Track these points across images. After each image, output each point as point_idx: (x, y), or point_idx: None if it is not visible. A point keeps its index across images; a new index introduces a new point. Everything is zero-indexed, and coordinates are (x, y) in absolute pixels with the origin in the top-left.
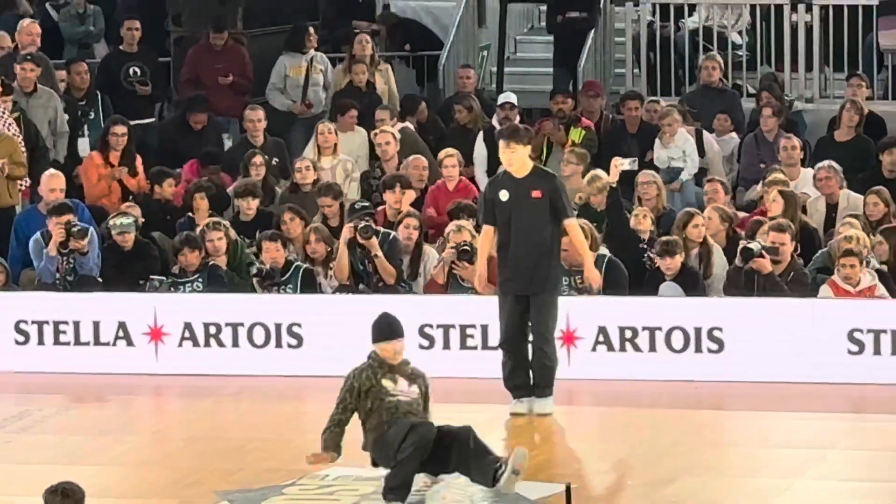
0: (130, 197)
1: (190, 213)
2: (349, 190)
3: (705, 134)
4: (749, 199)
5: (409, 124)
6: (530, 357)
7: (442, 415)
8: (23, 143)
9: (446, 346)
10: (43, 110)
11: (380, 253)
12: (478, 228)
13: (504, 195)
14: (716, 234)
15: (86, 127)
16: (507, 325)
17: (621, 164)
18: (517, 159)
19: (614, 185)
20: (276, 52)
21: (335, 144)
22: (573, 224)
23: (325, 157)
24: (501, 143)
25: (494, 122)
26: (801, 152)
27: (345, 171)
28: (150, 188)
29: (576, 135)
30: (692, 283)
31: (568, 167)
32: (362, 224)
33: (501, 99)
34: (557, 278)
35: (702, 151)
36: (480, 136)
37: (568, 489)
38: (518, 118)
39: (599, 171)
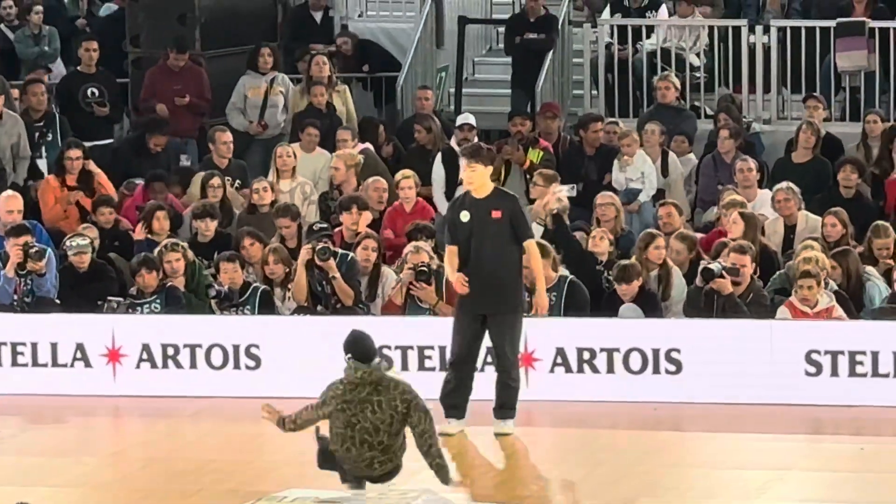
0: (88, 218)
1: (149, 236)
2: (307, 212)
3: (671, 154)
4: (707, 220)
5: (369, 146)
6: (495, 378)
7: None
8: None
9: (404, 367)
10: (7, 137)
11: (338, 274)
12: (436, 249)
13: (465, 216)
14: (682, 262)
15: (43, 148)
16: (460, 345)
17: (559, 190)
18: (478, 178)
19: (556, 212)
20: (234, 73)
21: (293, 168)
22: (531, 246)
23: (283, 181)
24: (463, 162)
25: (453, 143)
26: (757, 174)
27: (303, 193)
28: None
29: (534, 156)
30: (651, 304)
31: (535, 189)
32: (320, 246)
33: (460, 120)
34: (519, 299)
35: (666, 172)
36: (439, 157)
37: None
38: (476, 139)
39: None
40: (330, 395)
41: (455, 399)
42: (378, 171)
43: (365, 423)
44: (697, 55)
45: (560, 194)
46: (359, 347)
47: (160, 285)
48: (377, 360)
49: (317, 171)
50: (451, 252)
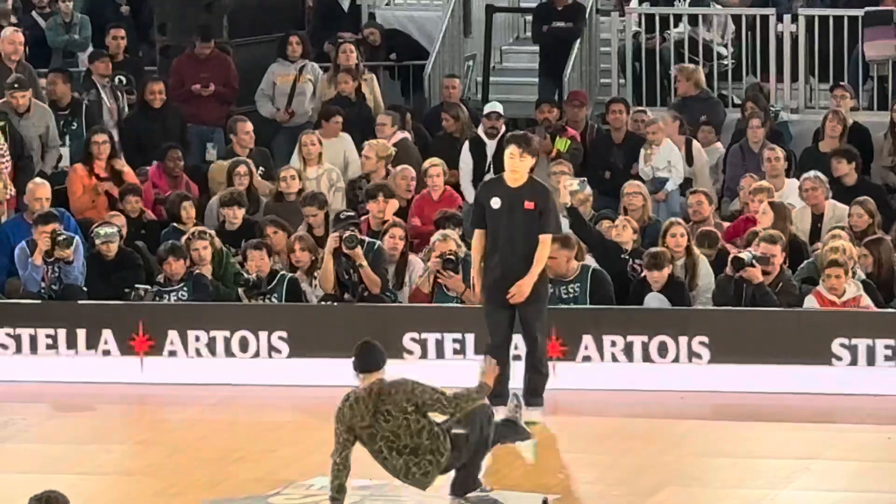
0: (115, 206)
1: (175, 224)
2: (334, 199)
3: (695, 143)
4: (734, 209)
5: (407, 135)
6: (524, 366)
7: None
8: (7, 153)
9: (432, 355)
10: (35, 129)
11: (364, 262)
12: (463, 238)
13: (496, 202)
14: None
15: (67, 137)
16: (494, 334)
17: (570, 184)
18: (523, 168)
19: (570, 205)
20: (261, 61)
21: (319, 154)
22: (546, 241)
23: (310, 168)
24: (513, 149)
25: (480, 131)
26: (784, 163)
27: (329, 180)
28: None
29: (561, 144)
30: (678, 293)
31: (554, 178)
32: (347, 234)
33: (487, 108)
34: (545, 287)
35: (691, 161)
36: (466, 145)
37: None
38: (504, 128)
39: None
40: (337, 425)
41: (496, 388)
42: (413, 161)
43: (385, 433)
44: (725, 44)
45: (571, 188)
46: (360, 360)
47: (187, 273)
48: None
49: (338, 155)
50: (478, 237)
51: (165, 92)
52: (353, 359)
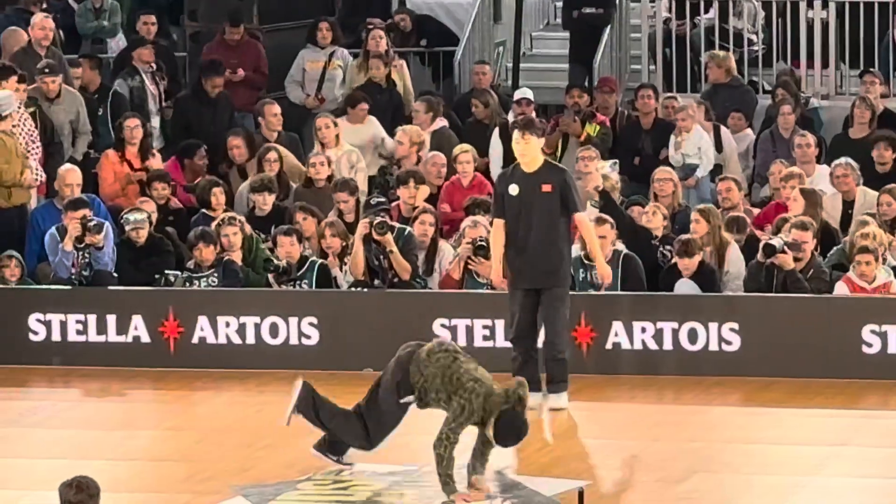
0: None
1: (205, 210)
2: (359, 181)
3: (723, 130)
4: (764, 196)
5: (445, 123)
6: (543, 354)
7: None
8: (38, 139)
9: (462, 341)
10: (65, 114)
11: (395, 249)
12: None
13: (514, 189)
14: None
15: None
16: (519, 320)
17: (601, 166)
18: (531, 150)
19: (601, 189)
20: (291, 47)
21: (336, 136)
22: (582, 218)
23: (327, 150)
24: (516, 134)
25: (510, 118)
26: (815, 149)
27: (349, 162)
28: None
29: (591, 129)
30: (709, 280)
31: (582, 164)
32: (378, 220)
33: (517, 95)
34: (567, 271)
35: (720, 147)
36: (496, 131)
37: (581, 494)
38: (534, 114)
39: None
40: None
41: (526, 373)
42: (450, 150)
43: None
44: (755, 31)
45: (603, 171)
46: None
47: (217, 259)
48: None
49: (369, 139)
50: (497, 226)
51: (224, 86)
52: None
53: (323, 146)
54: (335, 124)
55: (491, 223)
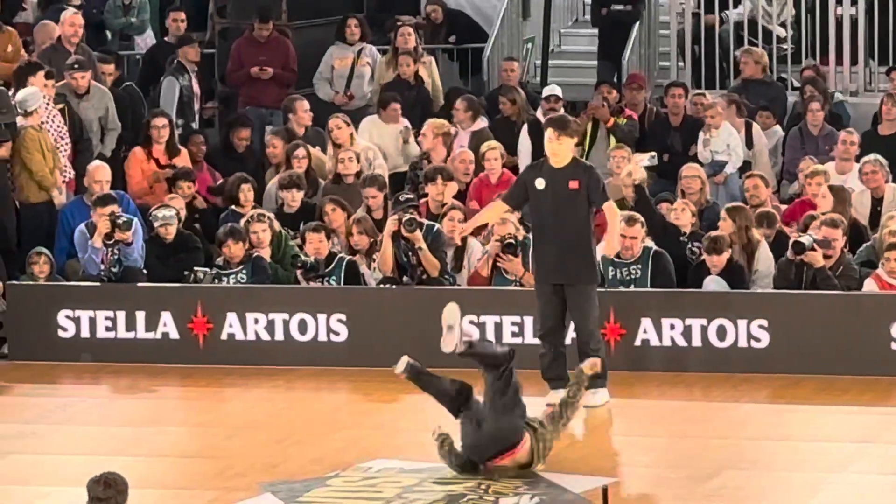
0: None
1: (234, 207)
2: (377, 167)
3: (754, 126)
4: (793, 192)
5: (485, 123)
6: (577, 350)
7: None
8: (67, 135)
9: (492, 337)
10: (94, 111)
11: (424, 245)
12: (522, 221)
13: (540, 183)
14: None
15: None
16: (546, 316)
17: (641, 159)
18: (563, 150)
19: (637, 182)
20: (320, 44)
21: (350, 135)
22: (610, 205)
23: (342, 151)
24: (550, 132)
25: (539, 114)
26: (858, 148)
27: (367, 159)
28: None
29: (619, 119)
30: (738, 277)
31: (613, 162)
32: (407, 217)
33: (546, 92)
34: (594, 267)
35: (750, 144)
36: (525, 128)
37: (605, 492)
38: (563, 111)
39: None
40: None
41: (555, 371)
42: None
43: None
44: (784, 26)
45: (642, 163)
46: None
47: (246, 255)
48: None
49: (394, 138)
50: (497, 205)
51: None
52: None
53: (337, 146)
54: (348, 124)
55: (521, 220)
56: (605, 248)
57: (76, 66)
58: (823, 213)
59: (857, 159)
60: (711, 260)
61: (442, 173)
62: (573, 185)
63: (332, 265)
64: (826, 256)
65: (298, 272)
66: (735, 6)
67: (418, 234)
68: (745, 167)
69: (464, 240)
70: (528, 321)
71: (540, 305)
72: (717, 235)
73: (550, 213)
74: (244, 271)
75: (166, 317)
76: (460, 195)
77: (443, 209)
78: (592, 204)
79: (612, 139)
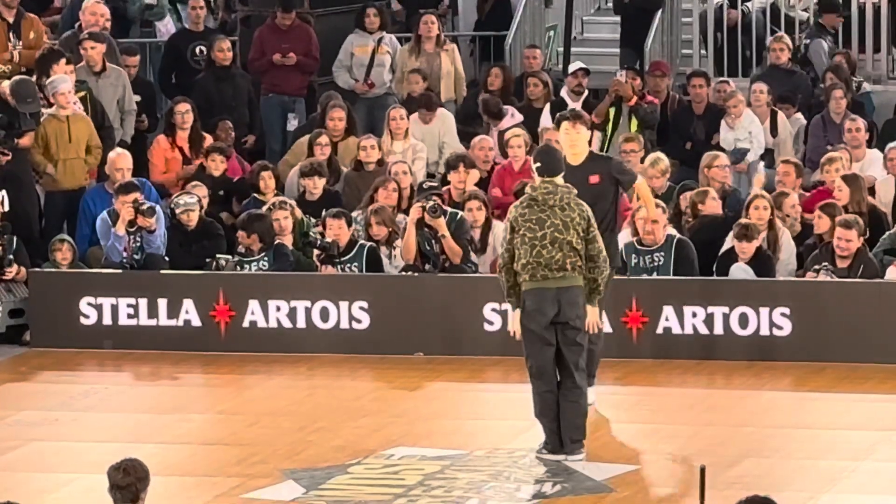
0: (197, 175)
1: (255, 195)
2: (417, 169)
3: (779, 114)
4: (815, 180)
5: (521, 125)
6: None
7: (501, 396)
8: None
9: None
10: (112, 89)
11: (447, 233)
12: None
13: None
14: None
15: None
16: None
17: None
18: (580, 140)
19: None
20: (341, 32)
21: (406, 129)
22: (641, 183)
23: (396, 142)
24: (566, 124)
25: (563, 94)
26: (865, 133)
27: (414, 153)
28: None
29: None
30: (765, 265)
31: (624, 157)
32: (430, 203)
33: (572, 67)
34: (616, 260)
35: (775, 131)
36: (547, 107)
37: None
38: (586, 92)
39: (660, 154)
40: (511, 219)
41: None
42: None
43: (555, 221)
44: (807, 15)
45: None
46: (547, 159)
47: (268, 243)
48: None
49: (435, 135)
50: None
51: (232, 49)
52: (538, 154)
53: (392, 135)
54: (407, 117)
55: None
56: (646, 216)
57: (87, 35)
58: (840, 204)
59: (880, 147)
60: (741, 246)
61: (464, 161)
62: (593, 179)
63: (354, 252)
64: (844, 258)
65: (314, 254)
66: None
67: (442, 221)
68: (767, 155)
69: (488, 222)
70: None
71: None
72: (749, 223)
73: None
74: (266, 259)
75: (188, 304)
76: (482, 182)
77: (465, 195)
78: (623, 188)
79: (634, 122)
